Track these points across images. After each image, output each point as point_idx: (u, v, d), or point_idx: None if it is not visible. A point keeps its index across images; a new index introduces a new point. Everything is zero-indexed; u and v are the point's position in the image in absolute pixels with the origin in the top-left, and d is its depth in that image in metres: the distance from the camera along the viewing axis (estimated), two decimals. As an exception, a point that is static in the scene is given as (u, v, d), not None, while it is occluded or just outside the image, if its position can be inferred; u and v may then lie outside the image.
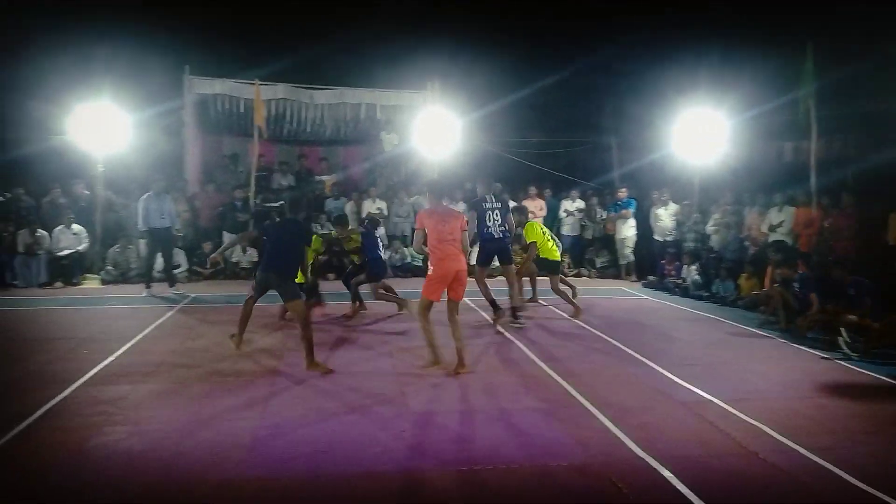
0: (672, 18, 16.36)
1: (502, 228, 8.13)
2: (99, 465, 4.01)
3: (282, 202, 13.40)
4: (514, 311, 8.27)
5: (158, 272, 11.04)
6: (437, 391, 5.57)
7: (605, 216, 13.73)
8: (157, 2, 16.12)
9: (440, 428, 4.70)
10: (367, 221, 9.43)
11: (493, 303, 8.13)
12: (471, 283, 8.60)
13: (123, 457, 4.14)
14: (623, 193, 13.06)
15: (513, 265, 8.43)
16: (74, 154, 12.18)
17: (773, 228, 10.54)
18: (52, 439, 4.40)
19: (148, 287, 10.46)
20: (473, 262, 9.02)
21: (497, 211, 8.14)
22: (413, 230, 13.51)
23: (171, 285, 10.69)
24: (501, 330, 8.03)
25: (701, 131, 12.15)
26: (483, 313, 8.70)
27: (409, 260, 13.24)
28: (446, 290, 6.30)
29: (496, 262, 8.43)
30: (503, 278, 8.66)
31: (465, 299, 9.34)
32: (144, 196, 10.48)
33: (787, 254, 8.98)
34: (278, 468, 4.01)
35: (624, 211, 12.85)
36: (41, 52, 13.38)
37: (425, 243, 6.36)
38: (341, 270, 9.85)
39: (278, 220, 8.35)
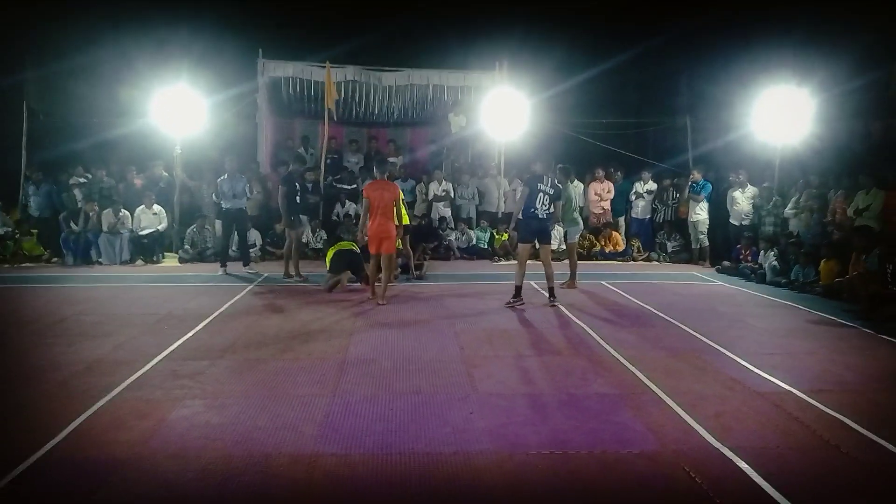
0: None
1: (548, 211, 8.50)
2: (180, 436, 4.20)
3: (354, 185, 13.62)
4: (552, 291, 8.58)
5: (234, 251, 11.44)
6: (504, 374, 5.57)
7: (677, 199, 13.37)
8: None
9: (508, 411, 4.71)
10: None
11: (518, 288, 8.43)
12: (536, 266, 8.68)
13: (203, 429, 4.32)
14: (698, 176, 12.62)
15: (549, 246, 8.88)
16: (155, 137, 12.69)
17: (859, 212, 10.01)
18: (137, 410, 4.63)
19: (223, 266, 10.83)
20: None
21: (548, 196, 8.46)
22: (478, 212, 13.73)
23: (246, 264, 11.05)
24: (565, 311, 8.05)
25: (783, 110, 11.64)
26: (544, 293, 8.65)
27: (474, 242, 13.25)
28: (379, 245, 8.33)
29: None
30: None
31: (532, 282, 9.33)
32: (220, 178, 10.83)
33: (873, 239, 8.55)
34: (350, 445, 4.11)
35: (696, 195, 12.47)
36: (126, 39, 13.95)
37: (368, 210, 8.34)
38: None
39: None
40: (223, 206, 10.77)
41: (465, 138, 15.20)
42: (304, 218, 11.38)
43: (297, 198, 10.52)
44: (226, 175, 10.76)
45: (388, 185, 8.50)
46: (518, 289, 8.40)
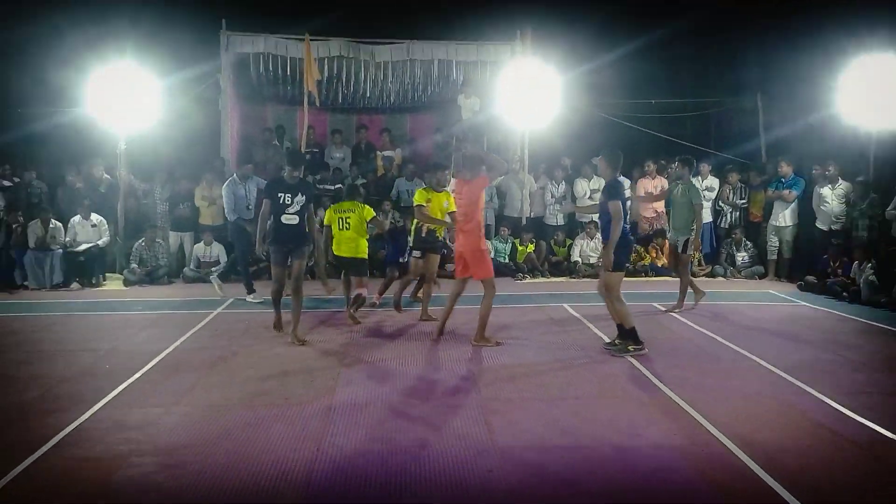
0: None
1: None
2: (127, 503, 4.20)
3: (339, 186, 13.64)
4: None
5: (192, 269, 11.48)
6: (531, 421, 5.55)
7: (746, 198, 13.33)
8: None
9: (537, 469, 4.69)
10: None
11: (633, 330, 7.83)
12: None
13: (154, 494, 4.32)
14: (787, 169, 12.54)
15: None
16: (93, 130, 12.76)
17: None
18: (70, 472, 4.63)
19: (252, 292, 10.66)
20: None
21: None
22: (497, 218, 13.72)
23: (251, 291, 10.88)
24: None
25: (878, 85, 11.59)
26: (585, 322, 8.61)
27: (492, 255, 13.16)
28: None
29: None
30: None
31: (566, 305, 9.28)
32: (228, 181, 10.87)
33: None
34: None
35: (786, 191, 12.38)
36: (57, 10, 14.07)
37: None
38: None
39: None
40: (233, 217, 10.67)
41: (478, 126, 15.21)
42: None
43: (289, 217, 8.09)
44: (234, 177, 10.81)
45: (470, 183, 8.23)
46: (633, 331, 7.65)
